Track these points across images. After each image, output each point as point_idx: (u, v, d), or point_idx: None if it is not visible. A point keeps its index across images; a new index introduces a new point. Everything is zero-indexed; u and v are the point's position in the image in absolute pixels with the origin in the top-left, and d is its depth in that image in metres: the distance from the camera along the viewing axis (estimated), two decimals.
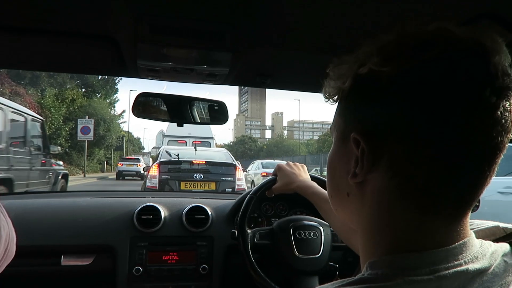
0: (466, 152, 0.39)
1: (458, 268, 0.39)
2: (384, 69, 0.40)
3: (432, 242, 0.41)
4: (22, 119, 6.38)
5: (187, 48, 0.86)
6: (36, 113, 10.61)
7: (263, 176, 12.34)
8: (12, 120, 6.00)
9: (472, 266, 0.40)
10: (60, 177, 8.07)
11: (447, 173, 0.40)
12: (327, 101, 0.51)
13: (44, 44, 0.90)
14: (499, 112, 0.38)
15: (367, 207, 0.46)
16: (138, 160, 22.40)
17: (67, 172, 9.19)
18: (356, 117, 0.45)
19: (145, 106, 1.23)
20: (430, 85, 0.39)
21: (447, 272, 0.39)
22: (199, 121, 1.31)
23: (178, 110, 1.25)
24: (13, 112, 6.02)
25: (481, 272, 0.40)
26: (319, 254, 1.27)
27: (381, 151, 0.42)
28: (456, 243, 0.41)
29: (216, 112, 1.33)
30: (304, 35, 0.84)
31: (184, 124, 1.25)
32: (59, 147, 9.16)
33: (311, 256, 1.25)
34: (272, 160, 17.29)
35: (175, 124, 1.26)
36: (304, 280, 1.23)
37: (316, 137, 78.94)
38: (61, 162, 9.26)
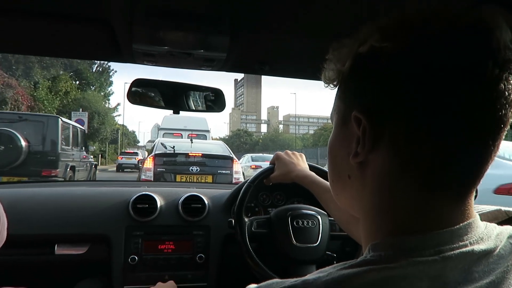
0: (470, 127, 0.39)
1: (463, 249, 0.38)
2: (385, 44, 0.40)
3: (436, 223, 0.40)
4: (76, 130, 9.64)
5: (184, 31, 0.84)
6: (29, 105, 16.37)
7: (253, 168, 12.47)
8: (72, 131, 9.25)
9: (477, 247, 0.39)
10: (93, 166, 11.71)
11: (451, 149, 0.39)
12: (326, 86, 0.50)
13: (37, 27, 0.87)
14: (502, 85, 0.38)
15: (368, 189, 0.45)
16: (136, 153, 24.03)
17: (96, 163, 13.51)
18: (357, 96, 0.44)
19: (140, 93, 1.20)
20: (432, 61, 0.38)
21: (452, 253, 0.38)
22: (195, 109, 1.29)
23: (174, 98, 1.23)
24: (72, 126, 9.44)
25: (487, 253, 0.39)
26: (317, 243, 1.26)
27: (383, 129, 0.41)
28: (461, 224, 0.40)
29: (213, 100, 1.31)
30: (304, 20, 0.82)
31: (180, 116, 1.24)
32: (94, 147, 13.07)
33: (309, 245, 1.24)
34: (262, 154, 17.93)
35: (171, 116, 1.25)
36: (302, 269, 1.23)
37: (311, 131, 79.05)
38: (92, 156, 12.56)
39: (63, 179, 7.42)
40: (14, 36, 0.93)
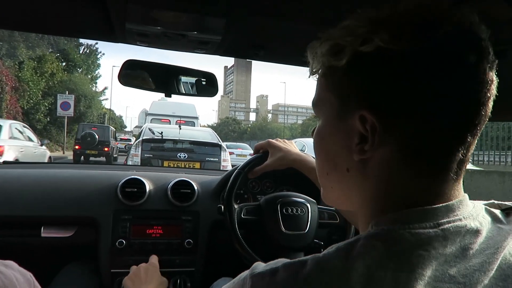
0: (467, 120, 0.43)
1: (458, 223, 0.42)
2: (395, 46, 0.41)
3: (433, 200, 0.43)
4: (109, 130, 16.25)
5: (178, 11, 0.82)
6: (13, 86, 18.06)
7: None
8: (111, 130, 15.44)
9: (469, 223, 0.42)
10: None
11: (452, 140, 0.43)
12: (312, 76, 0.51)
13: (28, 2, 0.84)
14: (491, 82, 0.43)
15: (370, 178, 0.46)
16: (129, 140, 23.83)
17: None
18: (361, 94, 0.44)
19: (131, 75, 1.18)
20: (441, 60, 0.41)
21: (449, 225, 0.41)
22: (187, 92, 1.27)
23: (165, 80, 1.20)
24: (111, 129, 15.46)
25: (477, 231, 0.43)
26: (306, 231, 1.27)
27: (394, 128, 0.43)
28: (454, 200, 0.44)
29: (206, 85, 1.30)
30: (303, 5, 0.81)
31: (168, 101, 1.22)
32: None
33: (298, 232, 1.25)
34: (234, 143, 18.07)
35: (159, 102, 1.23)
36: (290, 256, 1.22)
37: (300, 121, 79.26)
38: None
39: (109, 153, 14.90)
40: (3, 11, 0.90)
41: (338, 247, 0.41)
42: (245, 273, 0.44)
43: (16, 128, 8.38)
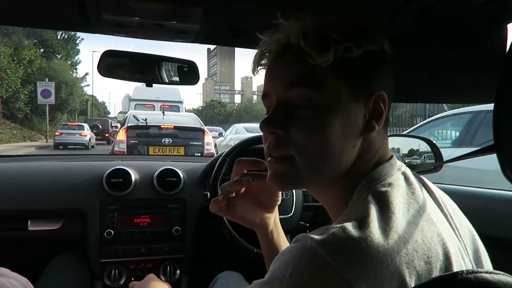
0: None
1: (400, 175, 0.54)
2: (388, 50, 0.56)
3: (388, 153, 0.58)
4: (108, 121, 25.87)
5: (155, 2, 0.81)
6: None
7: None
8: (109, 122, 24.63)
9: (407, 172, 0.56)
10: None
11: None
12: (321, 63, 0.52)
13: None
14: None
15: (361, 148, 0.55)
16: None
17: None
18: (372, 80, 0.53)
19: (111, 65, 1.16)
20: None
21: (405, 169, 0.56)
22: (168, 81, 1.27)
23: (146, 70, 1.19)
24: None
25: (411, 182, 0.53)
26: (291, 214, 1.29)
27: (388, 104, 0.55)
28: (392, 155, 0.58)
29: (187, 72, 1.29)
30: None
31: (152, 86, 1.20)
32: None
33: (283, 216, 1.28)
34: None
35: (143, 87, 1.22)
36: None
37: None
38: None
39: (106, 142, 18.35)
40: None
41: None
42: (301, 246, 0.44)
43: None
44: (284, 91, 0.54)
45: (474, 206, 1.21)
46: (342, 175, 0.54)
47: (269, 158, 0.57)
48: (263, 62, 0.60)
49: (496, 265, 0.54)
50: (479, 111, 3.91)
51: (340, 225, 0.44)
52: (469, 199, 1.28)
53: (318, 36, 0.51)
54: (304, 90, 0.52)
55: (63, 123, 20.78)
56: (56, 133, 17.51)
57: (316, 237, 0.43)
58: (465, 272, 0.39)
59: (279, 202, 0.76)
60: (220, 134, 14.13)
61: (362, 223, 0.44)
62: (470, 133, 3.96)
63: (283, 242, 0.79)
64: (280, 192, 0.76)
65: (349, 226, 0.44)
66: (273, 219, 0.78)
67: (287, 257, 0.45)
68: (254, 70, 0.61)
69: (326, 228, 0.45)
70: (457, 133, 4.55)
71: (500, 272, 0.39)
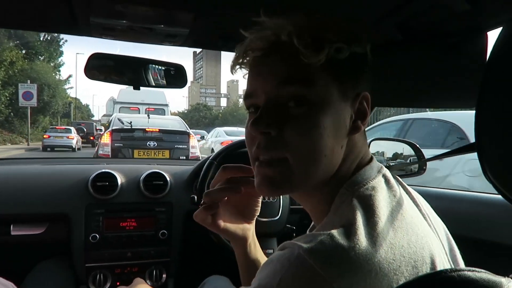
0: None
1: (381, 178, 0.54)
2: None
3: (368, 155, 0.58)
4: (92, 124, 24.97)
5: (145, 6, 0.81)
6: None
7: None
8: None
9: (387, 174, 0.56)
10: None
11: None
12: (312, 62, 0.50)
13: None
14: None
15: (347, 149, 0.55)
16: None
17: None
18: (358, 80, 0.54)
19: (98, 68, 1.16)
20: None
21: (385, 171, 0.56)
22: (155, 84, 1.26)
23: (134, 73, 1.19)
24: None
25: (390, 183, 0.54)
26: (278, 217, 1.30)
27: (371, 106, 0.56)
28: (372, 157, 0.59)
29: (174, 76, 1.29)
30: None
31: (139, 89, 1.20)
32: None
33: (270, 219, 1.29)
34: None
35: (127, 90, 1.21)
36: (264, 242, 1.26)
37: None
38: None
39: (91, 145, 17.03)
40: None
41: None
42: (288, 255, 0.43)
43: None
44: (275, 89, 0.51)
45: (440, 207, 1.24)
46: (328, 178, 0.53)
47: (256, 162, 0.53)
48: (245, 60, 0.56)
49: (468, 265, 0.56)
50: (407, 119, 4.63)
51: (328, 232, 0.43)
52: (434, 199, 1.31)
53: (312, 35, 0.49)
54: (298, 88, 0.50)
55: (51, 126, 22.31)
56: (45, 136, 18.64)
57: (304, 245, 0.43)
58: (448, 270, 0.41)
59: (258, 213, 0.72)
60: (202, 138, 14.17)
61: (350, 230, 0.44)
62: (401, 136, 4.43)
63: (260, 254, 0.75)
64: (260, 202, 0.72)
65: (336, 233, 0.43)
66: (252, 230, 0.73)
67: (275, 265, 0.44)
68: (233, 68, 0.58)
69: (314, 235, 0.44)
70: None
71: (482, 270, 0.40)
